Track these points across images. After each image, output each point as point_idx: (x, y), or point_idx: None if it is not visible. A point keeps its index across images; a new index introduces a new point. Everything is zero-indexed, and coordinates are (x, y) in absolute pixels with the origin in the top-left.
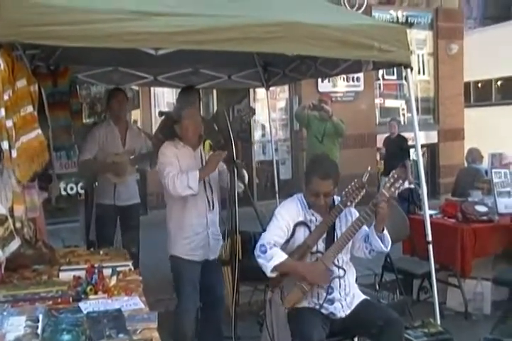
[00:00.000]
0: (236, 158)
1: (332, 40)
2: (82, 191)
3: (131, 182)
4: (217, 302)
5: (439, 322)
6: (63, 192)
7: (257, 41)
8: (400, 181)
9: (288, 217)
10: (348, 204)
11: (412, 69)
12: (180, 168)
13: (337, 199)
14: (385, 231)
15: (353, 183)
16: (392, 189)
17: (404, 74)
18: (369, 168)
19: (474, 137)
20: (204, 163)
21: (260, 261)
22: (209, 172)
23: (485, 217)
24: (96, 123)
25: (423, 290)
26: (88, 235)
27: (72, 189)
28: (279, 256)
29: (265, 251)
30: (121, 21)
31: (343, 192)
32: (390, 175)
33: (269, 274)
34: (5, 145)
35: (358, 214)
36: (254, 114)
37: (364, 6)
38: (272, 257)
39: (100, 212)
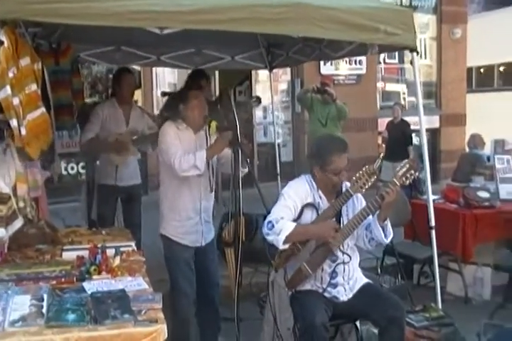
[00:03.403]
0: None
1: (339, 23)
2: (82, 171)
3: (133, 163)
4: (213, 286)
5: (440, 306)
6: (63, 172)
7: (264, 22)
8: (412, 171)
9: (296, 197)
10: (358, 190)
11: (418, 53)
12: (181, 149)
13: (345, 184)
14: (388, 222)
15: (364, 169)
16: (404, 178)
17: (410, 58)
18: (381, 155)
19: (475, 122)
20: (209, 145)
21: (270, 237)
22: (216, 153)
23: (487, 203)
24: (97, 102)
25: (423, 275)
26: (90, 215)
27: (72, 168)
28: (288, 227)
29: (273, 227)
30: None
31: (354, 178)
32: (402, 164)
33: (281, 247)
34: (14, 122)
35: (364, 202)
36: (260, 102)
37: None
38: (280, 230)
39: (102, 193)
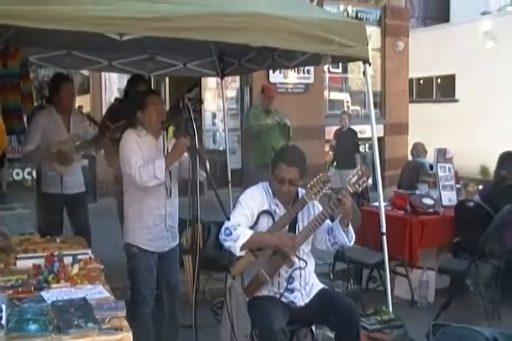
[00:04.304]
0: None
1: (296, 33)
2: (28, 177)
3: (77, 171)
4: (172, 291)
5: (391, 309)
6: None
7: (223, 31)
8: (364, 178)
9: (252, 204)
10: (313, 197)
11: (370, 65)
12: (142, 158)
13: (301, 191)
14: (350, 227)
15: (318, 177)
16: (357, 185)
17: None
18: (334, 164)
19: (416, 131)
20: (167, 151)
21: (227, 243)
22: (175, 160)
23: (431, 210)
24: (42, 107)
25: (372, 280)
26: (40, 222)
27: (18, 174)
28: (245, 234)
29: (230, 233)
30: (85, 4)
31: (308, 185)
32: (355, 172)
33: (237, 253)
34: None
35: (321, 208)
36: (202, 103)
37: None
38: (238, 236)
39: (47, 201)
